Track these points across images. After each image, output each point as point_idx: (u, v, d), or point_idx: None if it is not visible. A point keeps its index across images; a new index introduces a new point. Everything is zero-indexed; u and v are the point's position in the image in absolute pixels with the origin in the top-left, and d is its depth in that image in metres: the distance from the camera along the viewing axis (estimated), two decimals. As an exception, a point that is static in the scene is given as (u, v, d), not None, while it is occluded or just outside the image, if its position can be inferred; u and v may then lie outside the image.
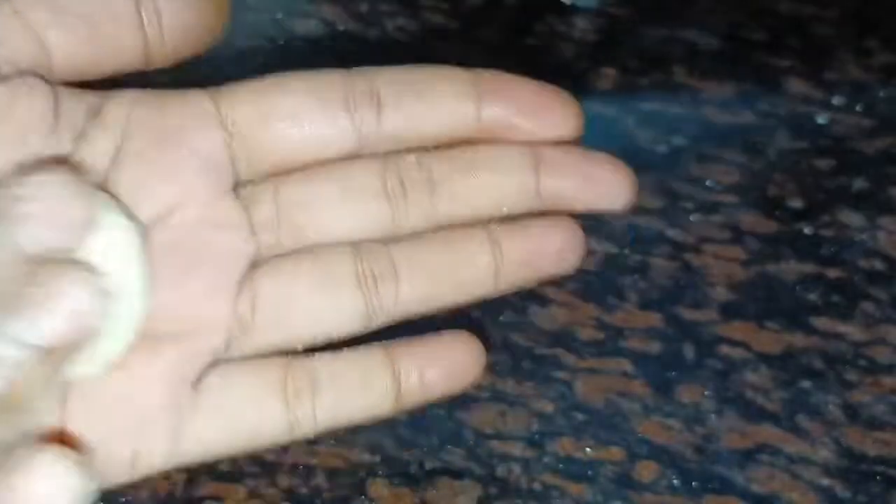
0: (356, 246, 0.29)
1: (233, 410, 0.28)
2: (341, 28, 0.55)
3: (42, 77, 0.25)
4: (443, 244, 0.29)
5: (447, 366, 0.29)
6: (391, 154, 0.29)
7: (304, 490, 0.36)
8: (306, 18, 0.56)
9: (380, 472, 0.36)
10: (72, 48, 0.26)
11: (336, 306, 0.28)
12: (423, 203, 0.29)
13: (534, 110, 0.29)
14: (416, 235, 0.29)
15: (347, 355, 0.29)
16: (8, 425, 0.24)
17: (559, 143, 0.29)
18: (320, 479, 0.36)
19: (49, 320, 0.23)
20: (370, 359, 0.29)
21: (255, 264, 0.28)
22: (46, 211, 0.24)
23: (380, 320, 0.29)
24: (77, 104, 0.26)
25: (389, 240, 0.29)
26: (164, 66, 0.27)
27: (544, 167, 0.29)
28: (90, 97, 0.27)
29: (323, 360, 0.28)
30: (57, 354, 0.24)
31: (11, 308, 0.23)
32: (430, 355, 0.29)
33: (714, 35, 0.57)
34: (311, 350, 0.29)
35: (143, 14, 0.26)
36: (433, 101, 0.29)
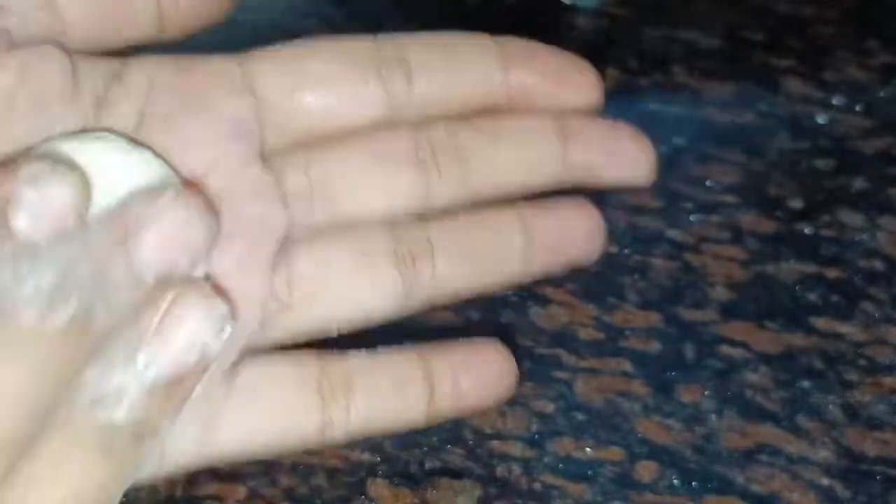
0: (392, 223, 0.28)
1: (266, 405, 0.26)
2: (341, 28, 0.55)
3: (57, 44, 0.25)
4: (476, 223, 0.28)
5: (480, 374, 0.28)
6: (420, 123, 0.28)
7: (304, 490, 0.36)
8: (306, 18, 0.56)
9: (380, 472, 0.36)
10: (86, 19, 0.25)
11: (374, 285, 0.27)
12: (453, 172, 0.28)
13: (558, 77, 0.28)
14: (449, 213, 0.28)
15: (382, 355, 0.28)
16: (140, 450, 0.23)
17: (582, 112, 0.29)
18: (320, 479, 0.36)
19: (171, 355, 0.23)
20: (404, 360, 0.28)
21: (289, 239, 0.27)
22: (167, 236, 0.23)
23: (416, 301, 0.28)
24: (96, 69, 0.26)
25: (422, 210, 0.28)
26: (177, 38, 0.27)
27: (571, 138, 0.28)
28: (109, 62, 0.26)
29: (358, 359, 0.27)
30: (181, 385, 0.24)
31: (133, 338, 0.23)
32: (464, 361, 0.28)
33: (714, 35, 0.57)
34: (347, 335, 0.28)
35: None
36: (462, 67, 0.28)
